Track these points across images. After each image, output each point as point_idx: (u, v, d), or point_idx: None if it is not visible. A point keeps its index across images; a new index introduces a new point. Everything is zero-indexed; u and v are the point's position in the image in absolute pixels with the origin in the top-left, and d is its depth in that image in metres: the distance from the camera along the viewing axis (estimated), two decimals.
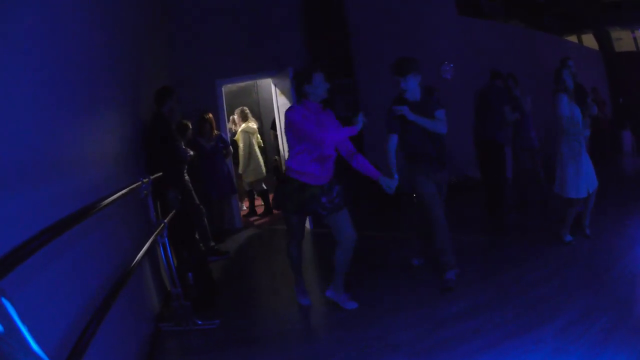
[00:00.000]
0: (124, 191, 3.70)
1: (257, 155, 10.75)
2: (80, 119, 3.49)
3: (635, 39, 18.12)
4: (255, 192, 11.30)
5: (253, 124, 10.90)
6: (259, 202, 11.68)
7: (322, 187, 4.96)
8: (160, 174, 5.35)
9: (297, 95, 5.12)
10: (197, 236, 6.54)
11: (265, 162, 11.46)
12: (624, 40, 18.42)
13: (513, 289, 5.23)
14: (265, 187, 11.05)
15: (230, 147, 9.48)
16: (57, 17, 3.17)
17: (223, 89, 10.14)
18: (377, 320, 4.78)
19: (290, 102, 9.00)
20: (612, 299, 4.63)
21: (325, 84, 4.94)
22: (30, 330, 1.22)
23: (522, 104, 8.46)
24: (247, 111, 10.99)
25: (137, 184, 4.32)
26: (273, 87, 10.07)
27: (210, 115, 8.65)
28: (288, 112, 4.91)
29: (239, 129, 10.65)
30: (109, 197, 3.23)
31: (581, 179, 6.17)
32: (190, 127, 7.66)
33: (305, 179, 4.91)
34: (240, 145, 10.39)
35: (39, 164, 2.59)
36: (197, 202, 7.27)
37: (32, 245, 1.88)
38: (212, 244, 7.91)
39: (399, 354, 4.15)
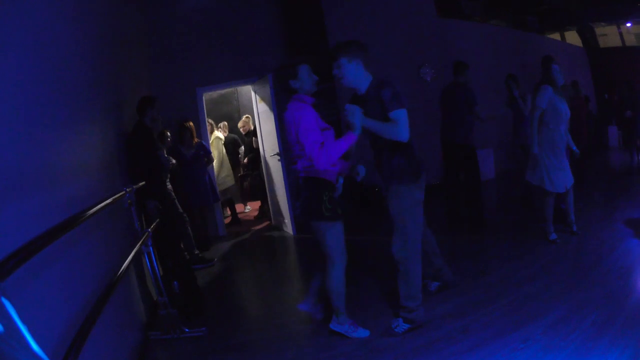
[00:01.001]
0: (108, 201, 3.68)
1: (228, 163, 10.84)
2: (64, 130, 3.46)
3: (621, 33, 18.26)
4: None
5: (221, 133, 11.07)
6: (240, 209, 11.68)
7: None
8: (143, 183, 5.33)
9: (288, 93, 4.53)
10: (181, 245, 6.52)
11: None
12: (609, 36, 18.57)
13: (501, 287, 5.26)
14: (229, 196, 11.12)
15: (212, 154, 9.45)
16: (41, 29, 3.17)
17: (204, 96, 10.11)
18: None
19: (270, 109, 9.01)
20: (602, 294, 4.67)
21: (312, 77, 4.48)
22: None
23: (520, 105, 8.47)
24: (212, 121, 11.07)
25: (120, 194, 4.29)
26: (253, 94, 10.08)
27: (191, 123, 8.59)
28: (300, 112, 4.26)
29: (212, 137, 10.58)
30: (94, 207, 3.21)
31: (559, 174, 6.21)
32: (169, 134, 7.63)
33: (330, 177, 4.43)
34: (215, 152, 10.33)
35: (24, 176, 2.57)
36: (181, 210, 7.25)
37: (17, 258, 1.87)
38: (197, 252, 7.89)
39: (386, 357, 4.15)
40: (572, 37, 18.93)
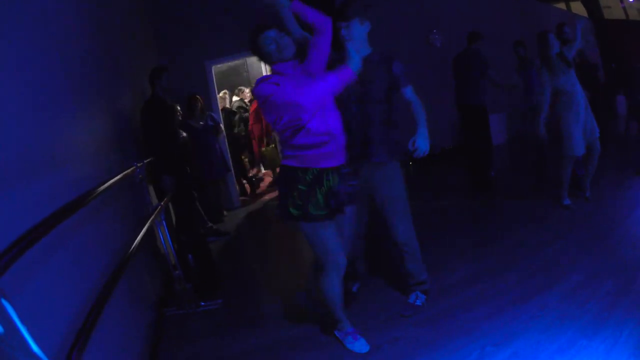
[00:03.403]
0: (117, 177, 3.66)
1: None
2: (69, 111, 3.42)
3: (624, 8, 18.21)
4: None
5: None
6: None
7: (341, 167, 3.55)
8: (155, 157, 5.30)
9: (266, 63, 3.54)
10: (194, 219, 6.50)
11: None
12: (612, 8, 18.48)
13: (515, 253, 5.22)
14: None
15: (221, 125, 9.41)
16: (42, 12, 3.13)
17: (213, 69, 10.03)
18: (379, 292, 4.77)
19: None
20: (616, 262, 4.60)
21: (283, 39, 3.39)
22: (33, 325, 1.19)
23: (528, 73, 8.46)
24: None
25: (131, 169, 4.28)
26: (263, 64, 9.98)
27: (198, 96, 8.53)
28: (258, 87, 3.39)
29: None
30: (103, 185, 3.19)
31: (578, 135, 6.09)
32: (179, 108, 7.57)
33: (323, 163, 3.44)
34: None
35: (31, 161, 2.54)
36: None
37: (28, 239, 1.86)
38: (210, 225, 7.90)
39: (403, 324, 4.14)
40: (577, 8, 18.84)
